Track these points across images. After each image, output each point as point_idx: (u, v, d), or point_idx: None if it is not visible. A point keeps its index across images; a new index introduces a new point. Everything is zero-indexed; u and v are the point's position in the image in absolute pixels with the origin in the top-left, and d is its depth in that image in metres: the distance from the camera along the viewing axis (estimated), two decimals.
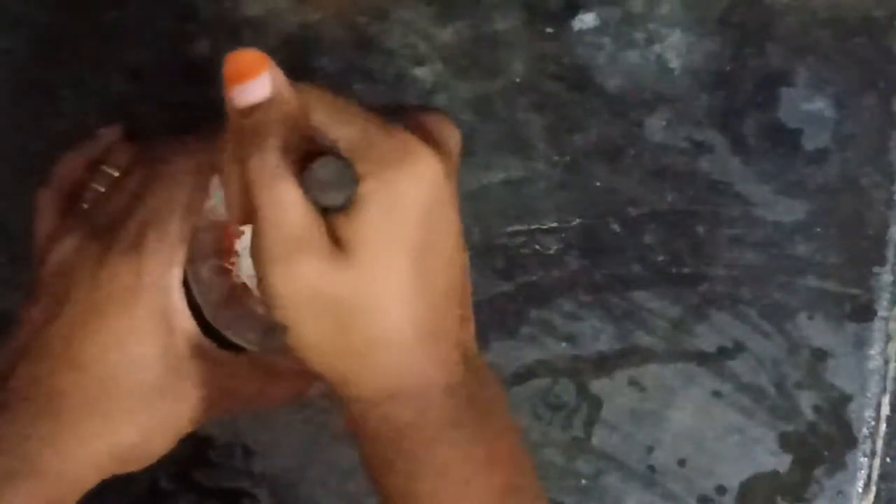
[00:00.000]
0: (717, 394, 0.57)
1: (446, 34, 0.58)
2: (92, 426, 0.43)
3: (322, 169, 0.38)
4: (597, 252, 0.58)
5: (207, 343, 0.46)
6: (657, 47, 0.58)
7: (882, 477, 0.58)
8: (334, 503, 0.57)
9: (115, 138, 0.51)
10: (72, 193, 0.49)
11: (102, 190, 0.48)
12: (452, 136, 0.43)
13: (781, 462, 0.57)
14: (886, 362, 0.58)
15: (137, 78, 0.58)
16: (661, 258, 0.58)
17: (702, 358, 0.58)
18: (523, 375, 0.57)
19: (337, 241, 0.39)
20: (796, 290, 0.58)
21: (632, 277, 0.58)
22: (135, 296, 0.44)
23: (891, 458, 0.57)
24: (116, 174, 0.48)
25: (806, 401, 0.57)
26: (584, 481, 0.57)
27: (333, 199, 0.39)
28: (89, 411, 0.43)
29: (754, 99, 0.58)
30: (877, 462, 0.58)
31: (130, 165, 0.48)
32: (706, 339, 0.58)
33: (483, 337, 0.57)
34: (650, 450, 0.57)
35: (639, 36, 0.58)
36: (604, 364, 0.57)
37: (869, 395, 0.58)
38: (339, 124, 0.40)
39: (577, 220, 0.58)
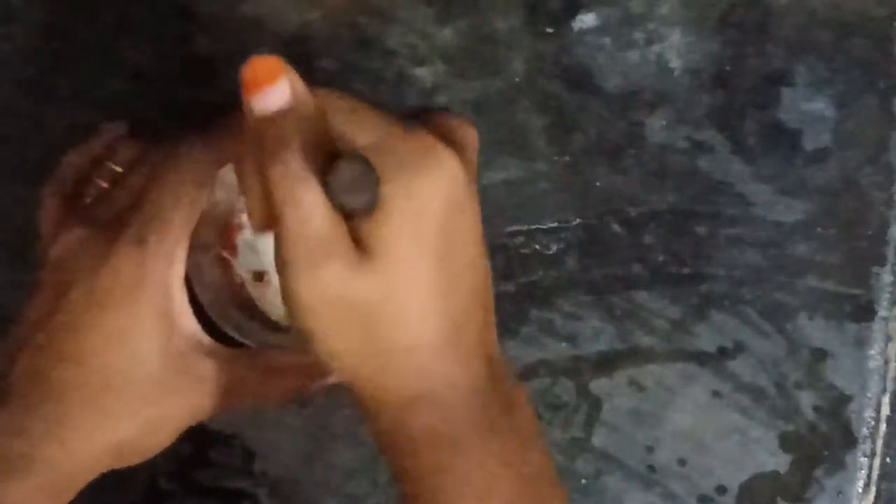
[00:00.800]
0: (717, 394, 0.57)
1: (446, 34, 0.58)
2: (92, 420, 0.43)
3: (345, 172, 0.38)
4: (597, 252, 0.58)
5: (208, 339, 0.46)
6: (657, 47, 0.58)
7: (882, 477, 0.58)
8: (334, 503, 0.57)
9: (119, 134, 0.51)
10: (75, 189, 0.49)
11: (105, 185, 0.48)
12: (471, 138, 0.43)
13: (781, 462, 0.57)
14: (886, 362, 0.58)
15: (137, 78, 0.58)
16: (661, 258, 0.58)
17: (702, 358, 0.58)
18: (523, 375, 0.57)
19: (359, 245, 0.39)
20: (796, 290, 0.58)
21: (632, 277, 0.58)
22: (136, 291, 0.44)
23: (891, 458, 0.57)
24: (120, 170, 0.48)
25: (806, 401, 0.57)
26: (584, 481, 0.57)
27: (357, 201, 0.38)
28: (90, 405, 0.43)
29: (754, 99, 0.58)
30: (877, 462, 0.58)
31: (134, 162, 0.48)
32: (706, 339, 0.58)
33: None
34: (650, 450, 0.57)
35: (639, 36, 0.58)
36: (604, 364, 0.57)
37: (869, 395, 0.58)
38: (358, 128, 0.40)
39: (577, 220, 0.58)
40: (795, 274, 0.58)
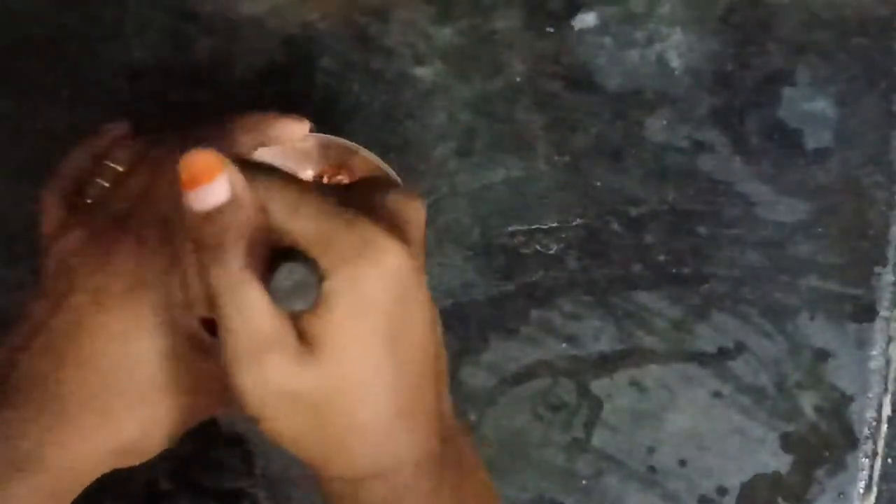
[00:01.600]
0: (717, 394, 0.57)
1: (446, 34, 0.58)
2: (94, 420, 0.43)
3: (285, 276, 0.38)
4: (597, 252, 0.57)
5: (209, 338, 0.46)
6: (658, 47, 0.58)
7: (883, 477, 0.58)
8: None
9: (120, 133, 0.51)
10: (77, 189, 0.49)
11: (107, 185, 0.47)
12: (416, 214, 0.42)
13: (782, 463, 0.57)
14: (888, 362, 0.57)
15: (137, 78, 0.58)
16: (661, 258, 0.58)
17: (702, 358, 0.57)
18: (523, 375, 0.57)
19: (303, 338, 0.39)
20: (797, 290, 0.57)
21: (632, 277, 0.57)
22: (138, 291, 0.44)
23: (892, 459, 0.57)
24: (121, 170, 0.48)
25: (807, 401, 0.57)
26: (584, 481, 0.57)
27: (299, 303, 0.38)
28: (91, 405, 0.43)
29: (755, 98, 0.58)
30: (878, 463, 0.57)
31: (136, 162, 0.48)
32: (707, 339, 0.57)
33: (483, 337, 0.57)
34: (651, 450, 0.57)
35: (639, 35, 0.58)
36: (604, 364, 0.57)
37: (870, 395, 0.57)
38: (299, 220, 0.39)
39: (578, 220, 0.58)
40: (796, 274, 0.57)
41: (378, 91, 0.58)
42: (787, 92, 0.58)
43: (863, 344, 0.57)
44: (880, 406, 0.57)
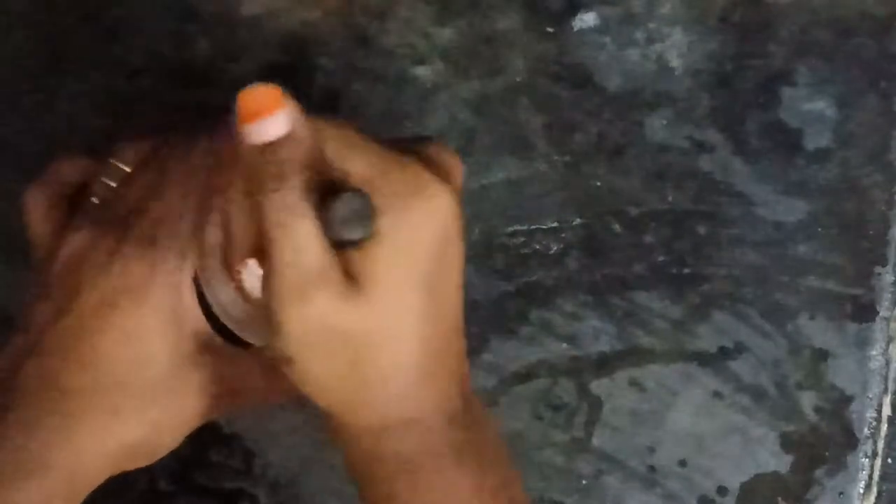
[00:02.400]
0: (717, 394, 0.57)
1: (446, 34, 0.58)
2: (102, 421, 0.43)
3: (343, 206, 0.38)
4: (597, 252, 0.57)
5: (216, 339, 0.46)
6: (658, 47, 0.58)
7: (883, 477, 0.58)
8: (334, 503, 0.57)
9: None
10: (79, 190, 0.49)
11: (113, 185, 0.47)
12: (458, 169, 0.43)
13: (782, 463, 0.57)
14: (888, 362, 0.57)
15: (137, 78, 0.58)
16: (661, 258, 0.58)
17: (702, 358, 0.57)
18: (523, 375, 0.57)
19: (349, 276, 0.40)
20: (797, 290, 0.57)
21: (632, 277, 0.57)
22: (146, 292, 0.44)
23: (892, 459, 0.57)
24: (128, 170, 0.48)
25: (807, 401, 0.57)
26: (584, 481, 0.57)
27: (353, 234, 0.39)
28: (99, 407, 0.43)
29: (755, 99, 0.58)
30: (878, 463, 0.57)
31: (142, 162, 0.48)
32: (707, 339, 0.57)
33: (483, 337, 0.57)
34: (651, 450, 0.57)
35: (639, 35, 0.58)
36: (604, 364, 0.57)
37: (870, 395, 0.57)
38: (353, 158, 0.40)
39: (578, 220, 0.58)
40: (796, 274, 0.57)
41: (378, 91, 0.58)
42: (787, 92, 0.58)
43: (863, 344, 0.57)
44: (880, 406, 0.57)
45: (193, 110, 0.57)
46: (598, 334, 0.57)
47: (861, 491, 0.57)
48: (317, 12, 0.58)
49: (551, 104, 0.58)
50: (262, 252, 0.40)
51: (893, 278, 0.58)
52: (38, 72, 0.58)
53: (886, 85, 0.58)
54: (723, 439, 0.57)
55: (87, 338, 0.43)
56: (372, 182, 0.40)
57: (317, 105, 0.58)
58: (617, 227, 0.58)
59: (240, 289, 0.50)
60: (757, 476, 0.57)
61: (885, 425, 0.58)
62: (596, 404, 0.57)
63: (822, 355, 0.57)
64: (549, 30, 0.58)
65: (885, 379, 0.57)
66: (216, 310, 0.48)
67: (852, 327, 0.57)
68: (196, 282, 0.46)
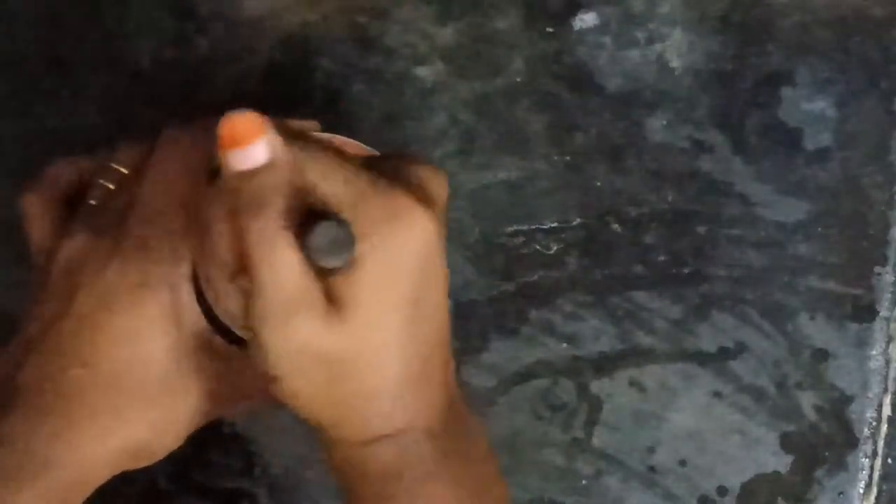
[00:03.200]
0: (717, 394, 0.57)
1: (446, 34, 0.58)
2: (102, 422, 0.43)
3: (322, 233, 0.39)
4: (597, 252, 0.58)
5: (216, 338, 0.46)
6: (658, 46, 0.58)
7: (883, 477, 0.58)
8: (334, 503, 0.57)
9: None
10: (77, 192, 0.49)
11: (112, 187, 0.47)
12: (440, 187, 0.43)
13: (782, 462, 0.57)
14: (888, 362, 0.57)
15: (137, 78, 0.58)
16: (661, 258, 0.58)
17: (702, 358, 0.57)
18: (523, 375, 0.57)
19: (331, 299, 0.40)
20: (797, 290, 0.57)
21: (632, 277, 0.57)
22: (144, 292, 0.44)
23: (892, 459, 0.57)
24: (126, 171, 0.48)
25: (807, 401, 0.57)
26: (584, 482, 0.57)
27: (333, 262, 0.39)
28: (100, 407, 0.43)
29: (755, 98, 0.58)
30: (878, 462, 0.57)
31: (139, 163, 0.48)
32: (707, 339, 0.57)
33: (483, 337, 0.57)
34: (651, 450, 0.57)
35: (639, 35, 0.58)
36: (604, 364, 0.57)
37: (870, 395, 0.57)
38: (333, 183, 0.40)
39: (577, 220, 0.58)
40: (796, 274, 0.58)
41: (378, 91, 0.58)
42: (786, 92, 0.58)
43: (863, 344, 0.57)
44: (880, 406, 0.57)
45: (193, 110, 0.57)
46: (598, 334, 0.57)
47: (861, 491, 0.57)
48: (317, 12, 0.58)
49: (551, 104, 0.58)
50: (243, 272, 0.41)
51: (893, 278, 0.58)
52: (38, 72, 0.58)
53: (886, 85, 0.58)
54: (723, 439, 0.57)
55: (87, 339, 0.44)
56: (352, 207, 0.40)
57: (317, 105, 0.58)
58: (617, 227, 0.58)
59: (240, 287, 0.50)
60: (757, 476, 0.57)
61: (885, 425, 0.58)
62: (596, 404, 0.57)
63: (822, 355, 0.57)
64: (549, 30, 0.58)
65: (885, 379, 0.57)
66: (216, 309, 0.48)
67: (852, 327, 0.57)
68: (195, 282, 0.46)
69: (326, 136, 0.52)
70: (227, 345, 0.46)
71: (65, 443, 0.43)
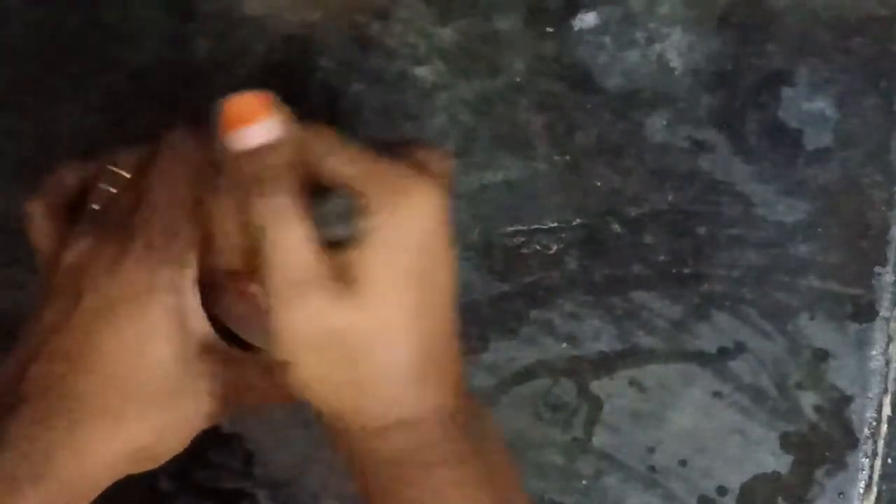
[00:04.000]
0: (717, 394, 0.57)
1: (446, 34, 0.58)
2: (107, 426, 0.43)
3: (331, 206, 0.39)
4: (597, 252, 0.58)
5: (220, 342, 0.46)
6: (658, 47, 0.58)
7: (883, 477, 0.58)
8: (334, 503, 0.57)
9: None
10: (78, 197, 0.49)
11: (113, 191, 0.47)
12: (444, 163, 0.44)
13: (782, 463, 0.57)
14: (888, 363, 0.57)
15: (137, 78, 0.58)
16: (661, 258, 0.58)
17: (702, 358, 0.57)
18: (523, 375, 0.57)
19: (341, 276, 0.40)
20: (797, 290, 0.57)
21: (632, 277, 0.57)
22: (149, 296, 0.44)
23: (892, 459, 0.57)
24: (127, 175, 0.48)
25: (807, 401, 0.57)
26: (584, 482, 0.57)
27: (342, 234, 0.39)
28: (104, 411, 0.43)
29: (755, 98, 0.58)
30: (878, 463, 0.57)
31: (142, 166, 0.48)
32: (707, 339, 0.57)
33: (483, 337, 0.57)
34: (651, 450, 0.57)
35: (639, 35, 0.58)
36: (604, 364, 0.57)
37: (870, 395, 0.57)
38: (341, 160, 0.41)
39: (577, 220, 0.58)
40: (796, 274, 0.58)
41: (378, 91, 0.58)
42: (786, 92, 0.58)
43: (863, 344, 0.57)
44: (880, 406, 0.57)
45: (193, 110, 0.57)
46: (597, 334, 0.57)
47: (861, 491, 0.57)
48: (317, 13, 0.58)
49: (551, 104, 0.58)
50: (252, 263, 0.41)
51: (893, 278, 0.58)
52: (38, 72, 0.58)
53: (886, 85, 0.58)
54: (723, 439, 0.57)
55: (92, 343, 0.44)
56: (360, 183, 0.40)
57: (317, 105, 0.58)
58: (617, 227, 0.58)
59: (243, 292, 0.50)
60: (757, 476, 0.57)
61: (885, 425, 0.58)
62: (596, 404, 0.57)
63: (822, 355, 0.57)
64: (549, 30, 0.58)
65: (885, 379, 0.57)
66: (220, 313, 0.48)
67: (852, 327, 0.57)
68: (199, 285, 0.46)
69: None
70: (231, 348, 0.46)
71: (69, 446, 0.43)
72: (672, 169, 0.58)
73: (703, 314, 0.58)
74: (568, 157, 0.58)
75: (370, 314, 0.40)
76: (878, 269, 0.58)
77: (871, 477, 0.57)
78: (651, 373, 0.57)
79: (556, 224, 0.58)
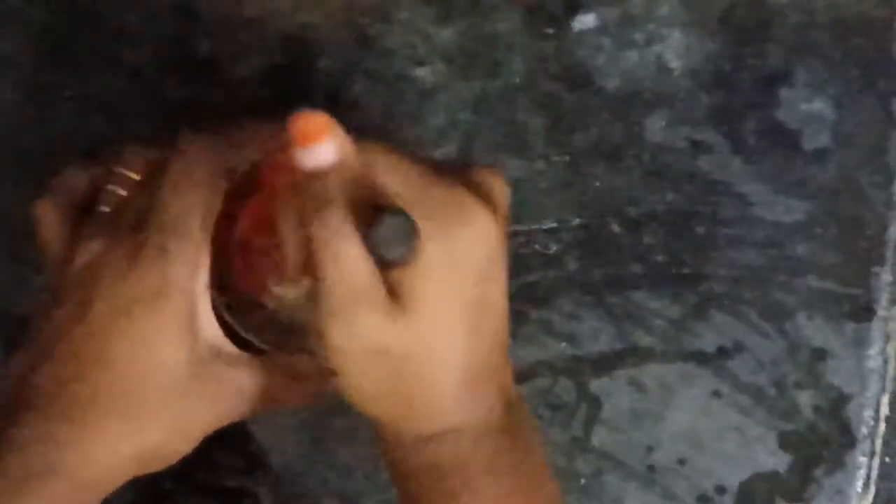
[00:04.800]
0: (716, 393, 0.57)
1: (446, 34, 0.58)
2: (117, 427, 0.43)
3: (387, 226, 0.39)
4: (597, 252, 0.58)
5: (230, 345, 0.46)
6: (657, 48, 0.58)
7: (881, 476, 0.58)
8: (334, 503, 0.57)
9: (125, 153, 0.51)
10: (86, 200, 0.49)
11: (123, 193, 0.47)
12: (504, 193, 0.44)
13: (781, 462, 0.57)
14: (886, 362, 0.58)
15: (137, 78, 0.58)
16: (660, 258, 0.58)
17: (701, 358, 0.58)
18: (523, 375, 0.57)
19: (393, 295, 0.41)
20: (796, 289, 0.58)
21: (631, 277, 0.58)
22: (161, 299, 0.44)
23: (890, 458, 0.57)
24: (136, 177, 0.48)
25: (805, 400, 0.57)
26: (583, 481, 0.57)
27: (397, 254, 0.40)
28: (114, 413, 0.43)
29: (754, 99, 0.58)
30: (876, 462, 0.58)
31: (151, 169, 0.48)
32: (706, 338, 0.58)
33: None
34: (650, 449, 0.57)
35: (638, 36, 0.58)
36: (604, 364, 0.57)
37: (868, 394, 0.58)
38: (399, 181, 0.41)
39: (577, 220, 0.58)
40: (795, 274, 0.58)
41: (378, 91, 0.58)
42: (785, 93, 0.58)
43: (861, 343, 0.58)
44: (878, 405, 0.58)
45: (194, 111, 0.57)
46: (597, 334, 0.58)
47: (859, 490, 0.57)
48: (318, 14, 0.58)
49: (551, 104, 0.58)
50: (310, 268, 0.41)
51: (891, 278, 0.58)
52: (39, 72, 0.58)
53: (884, 86, 0.58)
54: (721, 438, 0.57)
55: (102, 345, 0.44)
56: (416, 204, 0.40)
57: (317, 105, 0.58)
58: (616, 227, 0.58)
59: (258, 295, 0.50)
60: (755, 475, 0.57)
61: (883, 424, 0.58)
62: (595, 404, 0.57)
63: (820, 355, 0.58)
64: (549, 30, 0.58)
65: (883, 378, 0.58)
66: (229, 316, 0.48)
67: (850, 327, 0.58)
68: (210, 289, 0.46)
69: None
70: (241, 352, 0.47)
71: (78, 448, 0.43)
72: (671, 169, 0.58)
73: (701, 314, 0.58)
74: (567, 158, 0.58)
75: (420, 334, 0.41)
76: (875, 268, 0.58)
77: (868, 476, 0.58)
78: (650, 372, 0.57)
79: (555, 224, 0.58)
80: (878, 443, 0.58)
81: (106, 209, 0.47)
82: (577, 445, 0.57)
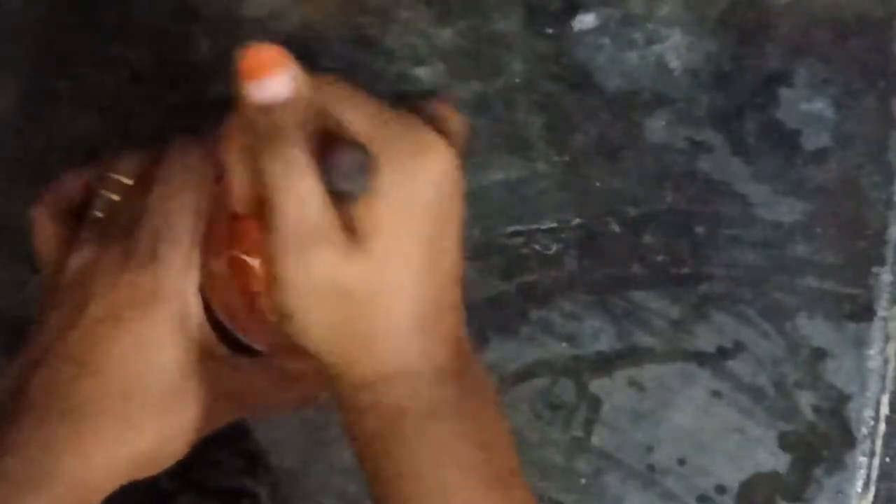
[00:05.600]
0: (716, 393, 0.57)
1: (446, 34, 0.58)
2: (112, 431, 0.44)
3: (343, 158, 0.39)
4: (597, 252, 0.58)
5: (223, 348, 0.46)
6: (657, 48, 0.58)
7: (881, 476, 0.58)
8: (334, 503, 0.57)
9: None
10: (80, 205, 0.49)
11: (116, 198, 0.48)
12: (460, 125, 0.44)
13: (781, 462, 0.57)
14: (886, 362, 0.58)
15: (137, 78, 0.58)
16: (660, 258, 0.58)
17: (701, 358, 0.58)
18: (523, 375, 0.57)
19: (349, 230, 0.40)
20: (796, 290, 0.58)
21: (631, 277, 0.58)
22: (154, 302, 0.44)
23: (890, 458, 0.57)
24: (129, 182, 0.48)
25: (805, 400, 0.57)
26: (583, 481, 0.57)
27: (354, 187, 0.39)
28: (109, 417, 0.44)
29: (754, 99, 0.58)
30: (876, 462, 0.58)
31: (143, 173, 0.48)
32: (706, 338, 0.58)
33: (483, 337, 0.57)
34: (650, 449, 0.57)
35: (638, 36, 0.58)
36: (603, 364, 0.58)
37: (868, 394, 0.58)
38: (355, 115, 0.41)
39: (577, 220, 0.58)
40: (795, 274, 0.58)
41: (378, 91, 0.58)
42: (785, 93, 0.58)
43: (861, 343, 0.58)
44: (878, 405, 0.58)
45: (194, 112, 0.57)
46: (597, 334, 0.58)
47: (859, 490, 0.57)
48: (317, 13, 0.58)
49: (551, 104, 0.58)
50: (262, 211, 0.41)
51: (891, 278, 0.58)
52: (39, 72, 0.58)
53: (885, 85, 0.58)
54: (721, 438, 0.57)
55: (97, 348, 0.44)
56: (372, 136, 0.40)
57: None
58: (616, 228, 0.58)
59: (248, 296, 0.50)
60: (755, 475, 0.57)
61: (883, 424, 0.58)
62: (595, 404, 0.58)
63: (820, 355, 0.58)
64: (549, 30, 0.58)
65: (883, 378, 0.58)
66: (223, 317, 0.48)
67: (850, 327, 0.58)
68: (203, 292, 0.46)
69: None
70: (234, 354, 0.47)
71: (73, 452, 0.43)
72: (671, 169, 0.58)
73: (701, 314, 0.58)
74: (567, 158, 0.58)
75: (375, 269, 0.40)
76: (875, 268, 0.58)
77: (868, 476, 0.58)
78: (650, 372, 0.57)
79: (555, 224, 0.58)
80: (878, 443, 0.58)
81: (99, 214, 0.47)
82: (577, 445, 0.57)
